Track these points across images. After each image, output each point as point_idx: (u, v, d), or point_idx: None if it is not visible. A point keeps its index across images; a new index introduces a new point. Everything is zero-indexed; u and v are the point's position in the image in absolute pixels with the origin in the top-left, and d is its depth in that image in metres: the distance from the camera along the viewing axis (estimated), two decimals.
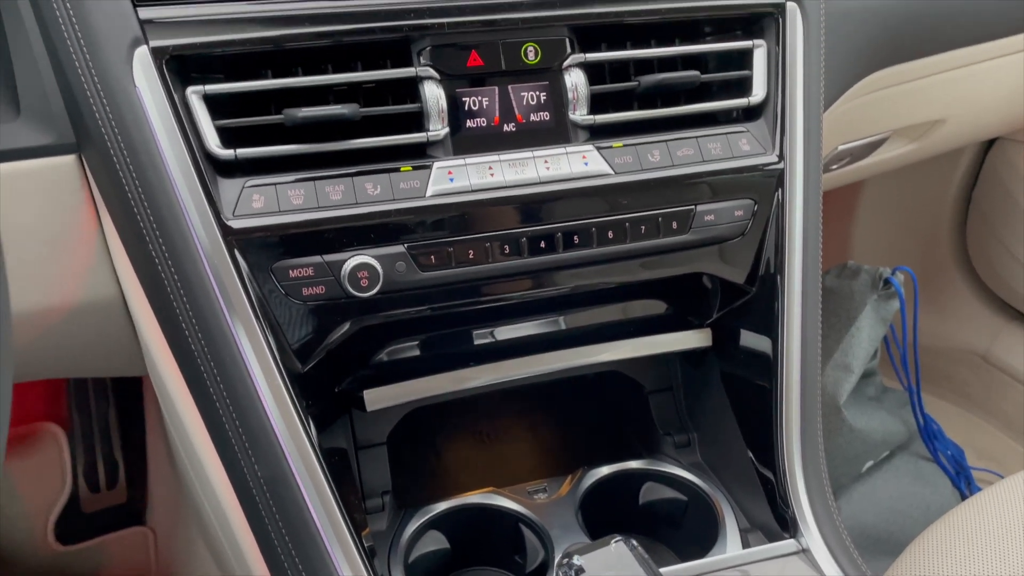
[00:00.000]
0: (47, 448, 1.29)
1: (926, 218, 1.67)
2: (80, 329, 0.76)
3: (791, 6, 0.78)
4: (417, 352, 0.80)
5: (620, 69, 0.76)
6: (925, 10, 0.95)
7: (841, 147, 1.07)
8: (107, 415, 1.33)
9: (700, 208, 0.76)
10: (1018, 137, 1.48)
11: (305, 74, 0.68)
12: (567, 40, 0.73)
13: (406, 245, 0.69)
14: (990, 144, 1.56)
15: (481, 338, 0.81)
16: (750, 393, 0.85)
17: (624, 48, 0.76)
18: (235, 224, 0.64)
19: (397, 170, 0.69)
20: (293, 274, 0.66)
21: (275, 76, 0.67)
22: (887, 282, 1.33)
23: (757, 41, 0.78)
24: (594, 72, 0.74)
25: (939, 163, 1.56)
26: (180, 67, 0.64)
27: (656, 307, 0.87)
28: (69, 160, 0.67)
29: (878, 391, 1.56)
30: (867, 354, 1.38)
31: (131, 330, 0.76)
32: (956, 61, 1.03)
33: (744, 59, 0.78)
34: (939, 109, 1.12)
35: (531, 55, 0.72)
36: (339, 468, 0.74)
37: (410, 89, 0.70)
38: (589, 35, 0.74)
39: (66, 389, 1.33)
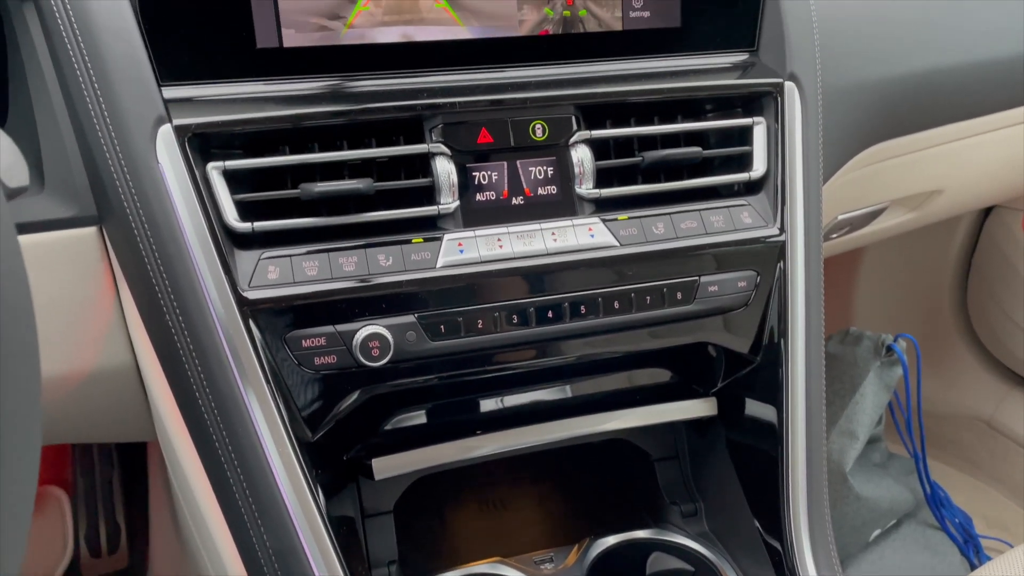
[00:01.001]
0: (50, 512, 1.29)
1: (927, 283, 1.69)
2: (93, 395, 0.77)
3: (789, 85, 0.81)
4: (425, 420, 0.81)
5: (624, 144, 0.78)
6: (919, 86, 0.98)
7: (841, 216, 1.09)
8: (111, 479, 1.32)
9: (704, 279, 0.77)
10: (1015, 205, 1.50)
11: (321, 149, 0.70)
12: (573, 118, 0.76)
13: (416, 315, 0.70)
14: (988, 211, 1.58)
15: (489, 406, 0.82)
16: (756, 462, 0.85)
17: (628, 125, 0.78)
18: (251, 295, 0.66)
19: (409, 242, 0.71)
20: (306, 343, 0.67)
21: (292, 151, 0.70)
22: (889, 349, 1.34)
23: (757, 118, 0.80)
24: (599, 147, 0.77)
25: (938, 229, 1.58)
26: (201, 144, 0.67)
27: (662, 375, 0.88)
28: (90, 232, 0.69)
29: (884, 457, 1.55)
30: (872, 421, 1.38)
31: (142, 396, 0.76)
32: (951, 135, 1.06)
33: (745, 135, 0.81)
34: (936, 180, 1.14)
35: (539, 132, 0.75)
36: (347, 538, 0.74)
37: (422, 163, 0.72)
38: (594, 113, 0.77)
39: (71, 453, 1.33)
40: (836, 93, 0.88)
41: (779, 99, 0.81)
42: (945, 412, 1.69)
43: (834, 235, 1.15)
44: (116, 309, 0.71)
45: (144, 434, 0.83)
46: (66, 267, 0.68)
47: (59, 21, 0.65)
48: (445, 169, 0.72)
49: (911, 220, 1.23)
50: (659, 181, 0.79)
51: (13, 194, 0.52)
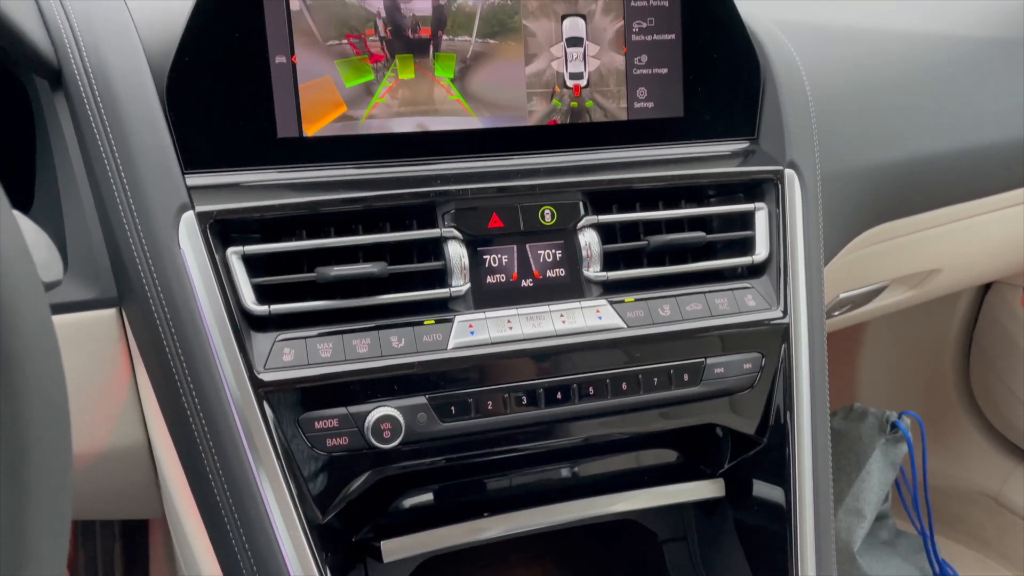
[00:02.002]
0: None
1: (929, 358, 1.69)
2: (103, 474, 0.77)
3: (789, 172, 0.84)
4: (434, 501, 0.81)
5: (630, 228, 0.81)
6: (916, 171, 1.01)
7: (842, 295, 1.11)
8: (112, 554, 1.31)
9: (710, 361, 0.79)
10: (1015, 281, 1.52)
11: (338, 233, 0.72)
12: (581, 203, 0.78)
13: (427, 396, 0.71)
14: (987, 286, 1.60)
15: (497, 486, 0.82)
16: (765, 543, 0.85)
17: (634, 210, 0.81)
18: (266, 377, 0.67)
19: (420, 323, 0.72)
20: (318, 425, 0.68)
21: (309, 235, 0.72)
22: (894, 426, 1.34)
23: (759, 204, 0.83)
24: (606, 231, 0.79)
25: (938, 304, 1.60)
26: (221, 229, 0.69)
27: (669, 456, 0.88)
28: (110, 313, 0.70)
29: (891, 535, 1.54)
30: (879, 499, 1.37)
31: (152, 475, 0.77)
32: (949, 217, 1.08)
33: (747, 220, 0.83)
34: (935, 260, 1.17)
35: (547, 217, 0.77)
36: None
37: (435, 247, 0.74)
38: (601, 198, 0.79)
39: (73, 528, 1.32)
40: (835, 178, 0.91)
41: (779, 186, 0.83)
42: (952, 488, 1.68)
43: (836, 313, 1.16)
44: (131, 389, 0.72)
45: (151, 511, 0.83)
46: (85, 348, 0.69)
47: (88, 110, 0.68)
48: (457, 253, 0.74)
49: (911, 297, 1.25)
50: (664, 264, 0.81)
51: (48, 288, 0.54)
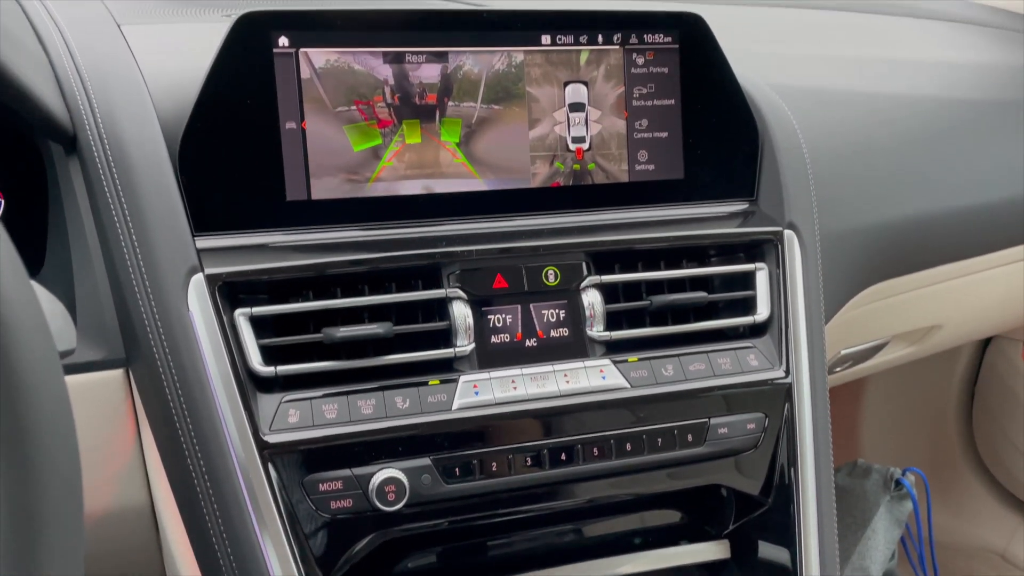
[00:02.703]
0: None
1: (932, 412, 1.69)
2: (105, 534, 0.76)
3: (788, 233, 0.85)
4: (438, 563, 0.80)
5: (633, 287, 0.82)
6: (912, 230, 1.03)
7: (844, 351, 1.11)
8: None
9: (714, 421, 0.79)
10: (1014, 335, 1.53)
11: (344, 294, 0.73)
12: (584, 264, 0.79)
13: (432, 457, 0.71)
14: (987, 340, 1.61)
15: (500, 548, 0.82)
16: None
17: (636, 270, 0.82)
18: (271, 439, 0.67)
19: (425, 384, 0.73)
20: (323, 487, 0.68)
21: (316, 295, 0.73)
22: (899, 483, 1.34)
23: (759, 264, 0.84)
24: (609, 291, 0.80)
25: (939, 359, 1.60)
26: (229, 290, 0.70)
27: (673, 516, 0.88)
28: (117, 374, 0.71)
29: None
30: (885, 557, 1.35)
31: (155, 536, 0.76)
32: (947, 274, 1.09)
33: (748, 280, 0.84)
34: (935, 316, 1.17)
35: (551, 278, 0.78)
36: None
37: (440, 307, 0.75)
38: (603, 258, 0.81)
39: None
40: (833, 238, 0.92)
41: (779, 246, 0.85)
42: (958, 545, 1.66)
43: (838, 369, 1.17)
44: (136, 450, 0.72)
45: (152, 573, 0.82)
46: (92, 409, 0.70)
47: (102, 176, 0.69)
48: (462, 313, 0.74)
49: (912, 353, 1.26)
50: (667, 323, 0.82)
51: (62, 357, 0.55)
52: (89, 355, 0.69)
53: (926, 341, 1.22)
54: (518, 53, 0.80)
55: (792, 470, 0.82)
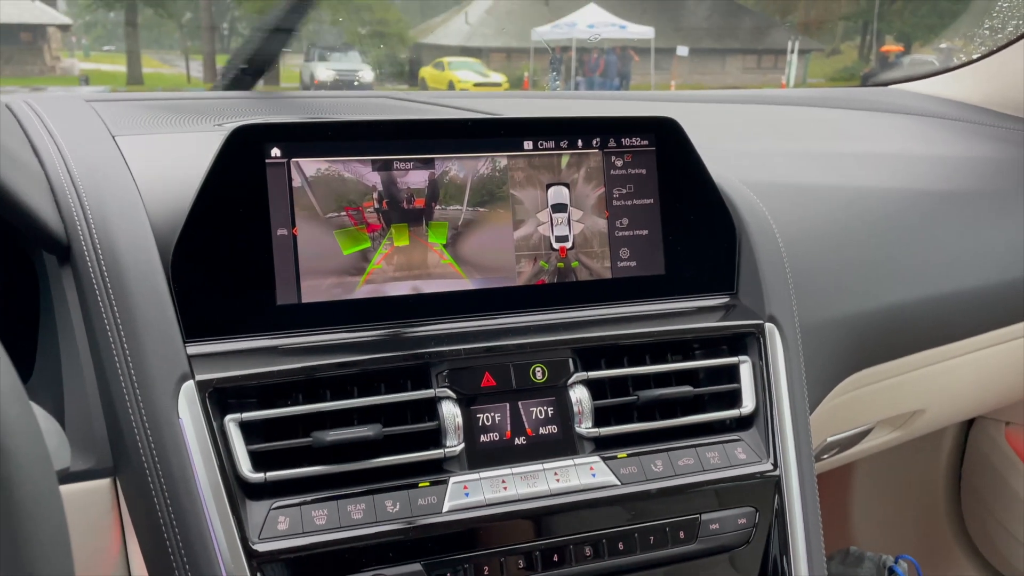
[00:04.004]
0: None
1: (921, 496, 1.69)
2: None
3: (769, 326, 0.87)
4: None
5: (620, 382, 0.83)
6: (889, 319, 1.05)
7: (830, 439, 1.12)
8: None
9: (705, 517, 0.79)
10: (998, 416, 1.54)
11: (333, 396, 0.74)
12: (570, 360, 0.81)
13: (423, 562, 0.70)
14: (970, 421, 1.62)
15: None
16: None
17: (622, 365, 0.83)
18: (260, 547, 0.66)
19: (415, 486, 0.73)
20: None
21: (305, 399, 0.73)
22: (892, 571, 1.32)
23: (742, 357, 0.86)
24: (596, 387, 0.81)
25: (924, 441, 1.61)
26: (219, 396, 0.70)
27: None
28: (104, 484, 0.70)
29: None
30: None
31: None
32: (927, 360, 1.11)
33: (732, 373, 0.86)
34: (917, 401, 1.19)
35: (539, 375, 0.79)
36: None
37: (429, 407, 0.75)
38: (590, 354, 0.82)
39: None
40: (815, 329, 0.95)
41: (761, 339, 0.87)
42: None
43: (825, 456, 1.17)
44: (120, 562, 0.71)
45: None
46: (78, 519, 0.68)
47: (95, 285, 0.70)
48: (451, 412, 0.75)
49: (897, 437, 1.27)
50: (655, 418, 0.82)
51: (57, 475, 0.55)
52: (77, 465, 0.69)
53: (910, 425, 1.23)
54: (502, 158, 0.83)
55: (784, 561, 0.81)
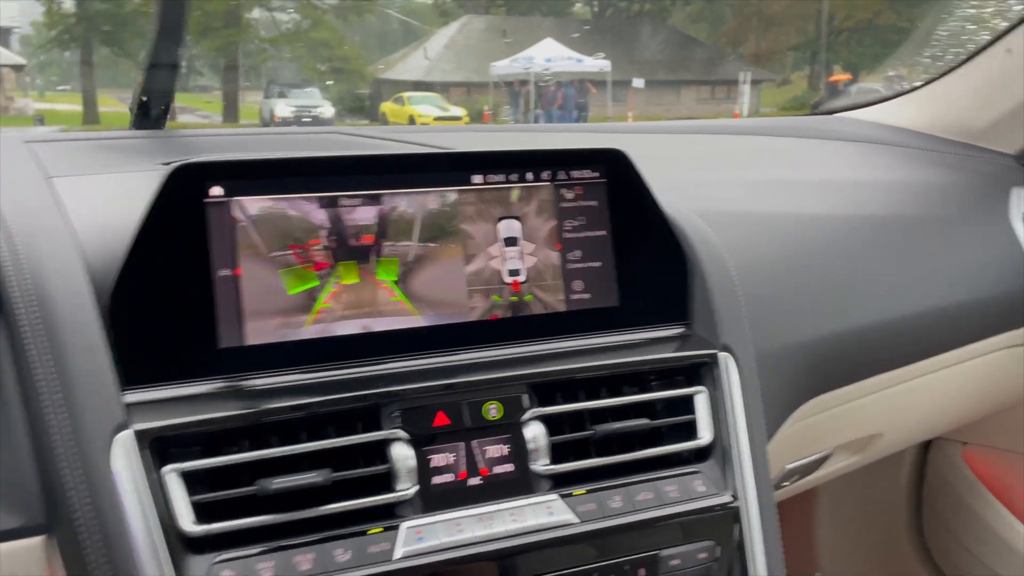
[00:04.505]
0: None
1: (883, 519, 1.69)
2: None
3: (723, 355, 0.87)
4: None
5: (576, 417, 0.81)
6: (841, 344, 1.06)
7: (789, 466, 1.12)
8: None
9: (664, 553, 0.77)
10: (954, 436, 1.56)
11: (281, 442, 0.71)
12: (525, 396, 0.79)
13: None
14: (928, 442, 1.63)
15: None
16: None
17: (578, 399, 0.82)
18: None
19: (366, 532, 0.70)
20: None
21: (251, 445, 0.70)
22: None
23: (697, 388, 0.85)
24: (552, 422, 0.79)
25: (884, 464, 1.62)
26: (159, 446, 0.67)
27: None
28: (36, 542, 0.66)
29: None
30: None
31: None
32: (882, 384, 1.12)
33: (689, 404, 0.85)
34: (874, 425, 1.19)
35: (493, 412, 0.78)
36: None
37: (380, 449, 0.73)
38: (545, 390, 0.81)
39: None
40: (770, 357, 0.94)
41: (716, 368, 0.86)
42: None
43: (785, 484, 1.17)
44: None
45: None
46: None
47: (27, 336, 0.67)
48: (403, 455, 0.73)
49: (857, 461, 1.27)
50: (612, 452, 0.81)
51: None
52: (7, 523, 0.65)
53: (868, 449, 1.24)
54: (451, 192, 0.82)
55: None
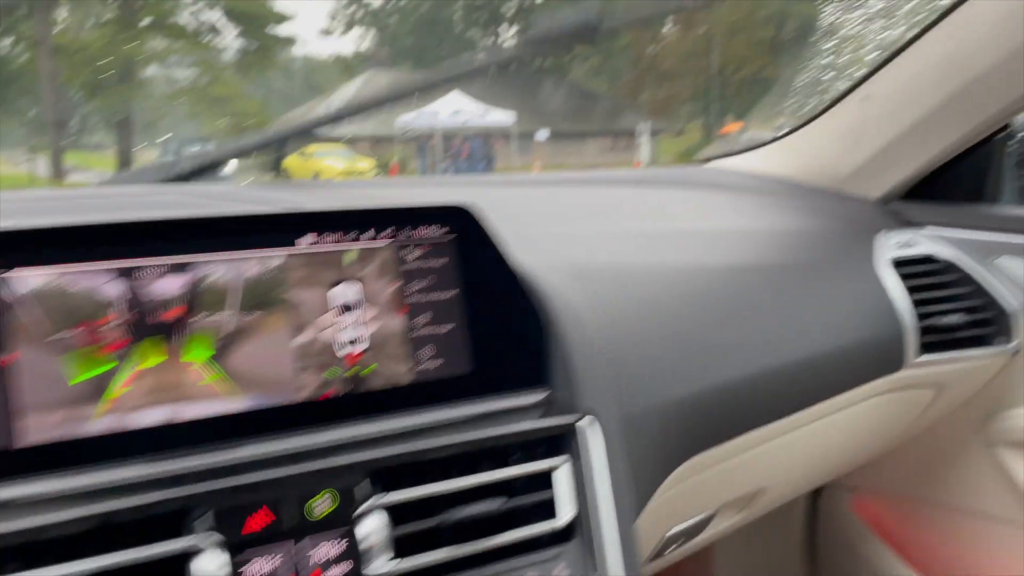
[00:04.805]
0: None
1: (780, 572, 1.66)
2: None
3: (586, 420, 0.80)
4: None
5: (426, 504, 0.73)
6: (719, 399, 1.01)
7: (671, 532, 1.06)
8: None
9: None
10: (846, 482, 1.54)
11: (58, 559, 0.60)
12: (366, 483, 0.70)
13: None
14: (818, 491, 1.61)
15: None
16: None
17: (426, 483, 0.73)
18: None
19: None
20: None
21: (22, 566, 0.59)
22: None
23: (555, 460, 0.78)
24: (398, 512, 0.71)
25: (777, 516, 1.59)
26: None
27: None
28: None
29: None
30: None
31: None
32: (760, 438, 1.08)
33: (550, 479, 0.78)
34: (758, 480, 1.15)
35: (326, 505, 0.69)
36: None
37: (182, 563, 0.63)
38: (390, 475, 0.72)
39: None
40: (638, 418, 0.89)
41: (577, 436, 0.79)
42: None
43: (670, 549, 1.10)
44: None
45: None
46: None
47: None
48: (212, 566, 0.62)
49: (742, 518, 1.22)
50: (466, 539, 0.73)
51: None
52: None
53: (754, 505, 1.19)
54: (275, 257, 0.73)
55: None
